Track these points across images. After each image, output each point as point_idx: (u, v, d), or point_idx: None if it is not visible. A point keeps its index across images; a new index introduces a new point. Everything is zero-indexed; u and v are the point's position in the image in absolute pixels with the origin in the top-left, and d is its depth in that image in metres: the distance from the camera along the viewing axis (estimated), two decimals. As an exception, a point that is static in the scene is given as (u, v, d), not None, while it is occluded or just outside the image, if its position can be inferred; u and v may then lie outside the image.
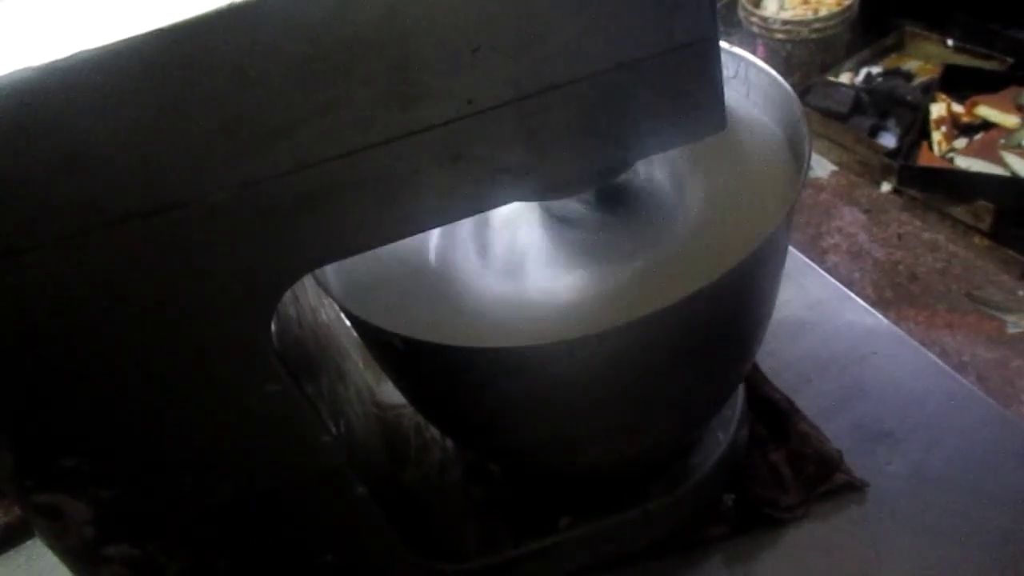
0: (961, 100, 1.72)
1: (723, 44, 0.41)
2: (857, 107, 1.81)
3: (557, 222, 0.39)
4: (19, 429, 0.31)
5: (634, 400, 0.38)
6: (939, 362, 0.54)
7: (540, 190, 0.31)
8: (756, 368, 0.54)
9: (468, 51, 0.26)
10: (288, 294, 0.34)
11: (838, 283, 0.61)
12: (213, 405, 0.32)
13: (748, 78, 0.43)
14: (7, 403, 0.30)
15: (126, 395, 0.31)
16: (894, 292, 1.51)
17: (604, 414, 0.38)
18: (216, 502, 0.35)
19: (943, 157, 1.65)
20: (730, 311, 0.37)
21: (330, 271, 0.39)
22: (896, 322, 0.59)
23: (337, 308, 0.42)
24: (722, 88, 0.30)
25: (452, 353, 0.34)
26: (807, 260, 0.63)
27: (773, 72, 0.41)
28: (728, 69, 0.43)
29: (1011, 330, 1.41)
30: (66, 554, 0.35)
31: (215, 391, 0.32)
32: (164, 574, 0.37)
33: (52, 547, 0.34)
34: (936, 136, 1.68)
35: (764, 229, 0.34)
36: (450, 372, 0.37)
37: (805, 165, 0.36)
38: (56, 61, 0.24)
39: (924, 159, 1.66)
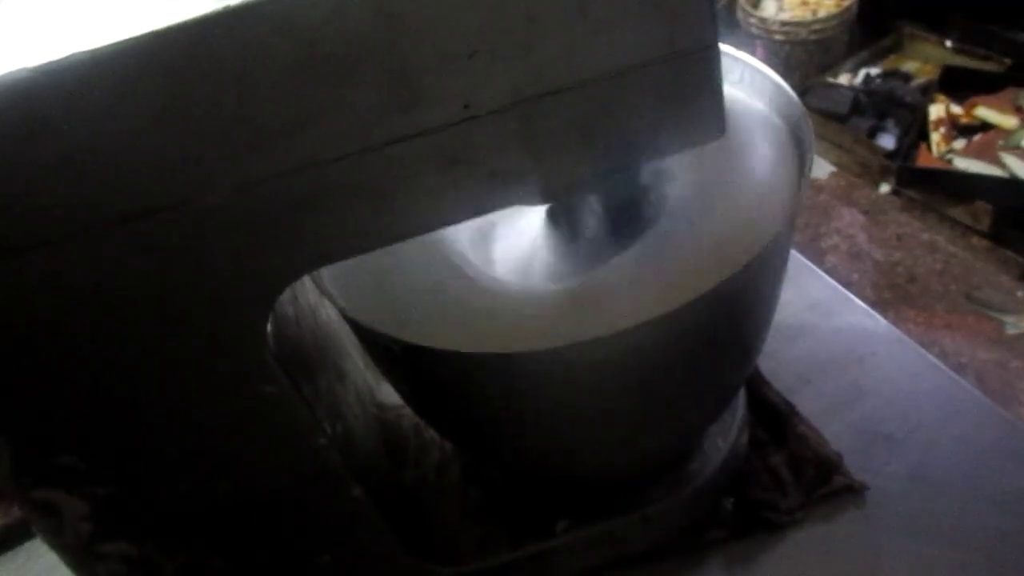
0: (960, 101, 1.72)
1: (727, 48, 0.41)
2: (856, 108, 1.81)
3: (556, 225, 0.38)
4: (17, 426, 0.31)
5: (633, 407, 0.38)
6: (938, 363, 0.54)
7: (539, 194, 0.31)
8: (755, 370, 0.54)
9: (465, 56, 0.26)
10: (287, 293, 0.34)
11: (837, 284, 0.61)
12: (209, 405, 0.32)
13: (752, 83, 0.42)
14: (5, 401, 0.30)
15: (121, 395, 0.31)
16: (893, 293, 1.51)
17: (603, 420, 0.38)
18: (212, 502, 0.35)
19: (942, 158, 1.65)
20: (732, 316, 0.37)
21: (327, 272, 0.39)
22: (895, 323, 0.59)
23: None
24: (722, 94, 0.30)
25: (449, 358, 0.34)
26: (806, 261, 0.63)
27: (777, 78, 0.41)
28: (732, 74, 0.43)
29: (1010, 331, 1.41)
30: (64, 551, 0.35)
31: (211, 391, 0.32)
32: (161, 572, 0.37)
33: (50, 544, 0.35)
34: (935, 137, 1.68)
35: (766, 233, 0.34)
36: (447, 376, 0.37)
37: (807, 171, 0.36)
38: (52, 62, 0.24)
39: (923, 160, 1.67)
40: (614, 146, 0.30)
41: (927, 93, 1.77)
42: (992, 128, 1.67)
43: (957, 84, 1.74)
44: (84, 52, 0.24)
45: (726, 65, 0.42)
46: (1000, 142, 1.62)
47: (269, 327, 0.32)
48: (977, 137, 1.67)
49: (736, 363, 0.41)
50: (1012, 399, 1.29)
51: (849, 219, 1.68)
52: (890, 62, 1.98)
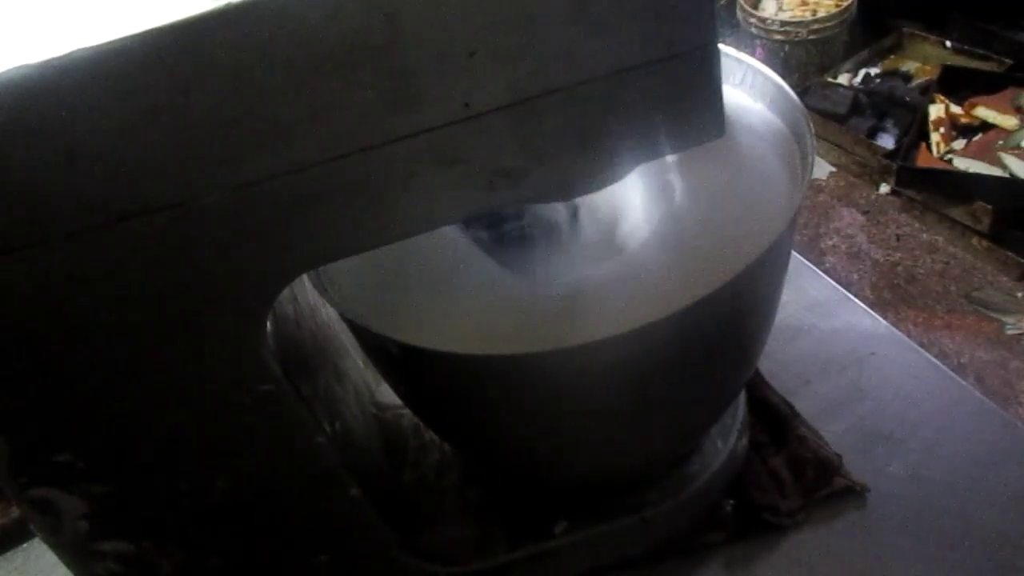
0: (959, 101, 1.72)
1: (729, 49, 0.41)
2: (855, 108, 1.81)
3: (554, 226, 0.38)
4: (15, 425, 0.31)
5: (633, 409, 0.38)
6: (938, 363, 0.54)
7: (537, 194, 0.31)
8: (755, 371, 0.53)
9: (465, 55, 0.26)
10: (286, 293, 0.34)
11: (837, 284, 0.61)
12: (206, 404, 0.32)
13: (754, 84, 0.42)
14: (3, 399, 0.30)
15: (119, 393, 0.31)
16: (893, 293, 1.51)
17: (602, 423, 0.38)
18: (209, 500, 0.35)
19: (941, 158, 1.65)
20: (733, 319, 0.37)
21: (326, 271, 0.39)
22: (895, 323, 0.59)
23: (335, 309, 0.42)
24: (721, 95, 0.30)
25: (447, 360, 0.33)
26: (806, 261, 0.63)
27: (778, 79, 0.41)
28: (734, 75, 0.43)
29: (1009, 331, 1.41)
30: (61, 549, 0.35)
31: (208, 390, 0.32)
32: (158, 571, 0.37)
33: (47, 541, 0.35)
34: (934, 137, 1.68)
35: (767, 235, 0.34)
36: (445, 378, 0.37)
37: (808, 172, 0.36)
38: (53, 59, 0.24)
39: (922, 160, 1.66)
40: (613, 146, 0.30)
41: (927, 93, 1.77)
42: (992, 128, 1.67)
43: (957, 84, 1.74)
44: (85, 49, 0.24)
45: (727, 66, 0.42)
46: (1000, 142, 1.62)
47: (268, 326, 0.32)
48: (977, 137, 1.66)
49: (737, 365, 0.41)
50: (1012, 399, 1.29)
51: (849, 219, 1.68)
52: (890, 62, 1.98)
